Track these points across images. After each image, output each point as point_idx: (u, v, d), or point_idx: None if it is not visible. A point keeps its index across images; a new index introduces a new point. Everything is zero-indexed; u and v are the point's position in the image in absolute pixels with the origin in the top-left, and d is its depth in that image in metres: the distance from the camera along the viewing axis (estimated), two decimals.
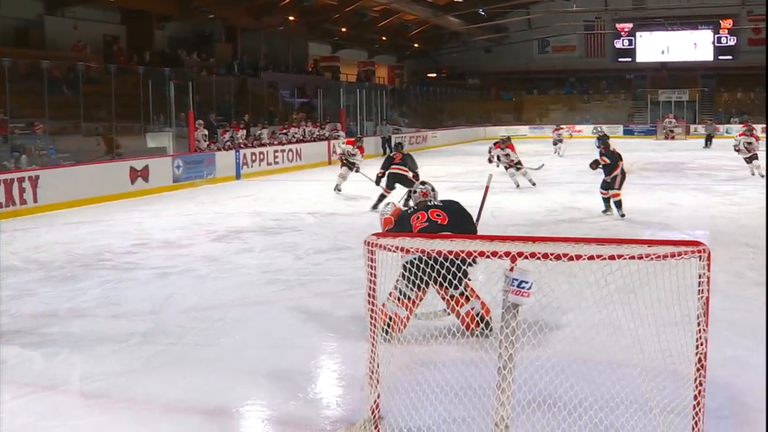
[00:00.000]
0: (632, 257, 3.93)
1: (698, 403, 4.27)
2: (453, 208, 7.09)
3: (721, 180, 20.68)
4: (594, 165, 14.03)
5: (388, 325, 6.16)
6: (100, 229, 13.40)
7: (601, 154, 14.07)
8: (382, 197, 15.21)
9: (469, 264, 4.89)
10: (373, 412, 4.66)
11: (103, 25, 29.06)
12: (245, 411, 5.34)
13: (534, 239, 4.23)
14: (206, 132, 23.16)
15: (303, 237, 12.44)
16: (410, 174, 15.51)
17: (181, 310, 8.01)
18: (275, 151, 25.35)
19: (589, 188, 16.61)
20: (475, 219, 7.45)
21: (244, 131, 25.75)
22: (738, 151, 21.07)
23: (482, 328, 6.48)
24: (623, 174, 13.86)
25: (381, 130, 34.68)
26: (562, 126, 33.25)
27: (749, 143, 20.54)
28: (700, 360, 4.22)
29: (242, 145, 24.47)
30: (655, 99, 50.62)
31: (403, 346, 4.60)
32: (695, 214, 14.68)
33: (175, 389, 5.68)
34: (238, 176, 22.84)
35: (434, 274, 4.90)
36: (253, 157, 23.98)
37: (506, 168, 19.04)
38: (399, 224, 7.05)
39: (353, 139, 19.21)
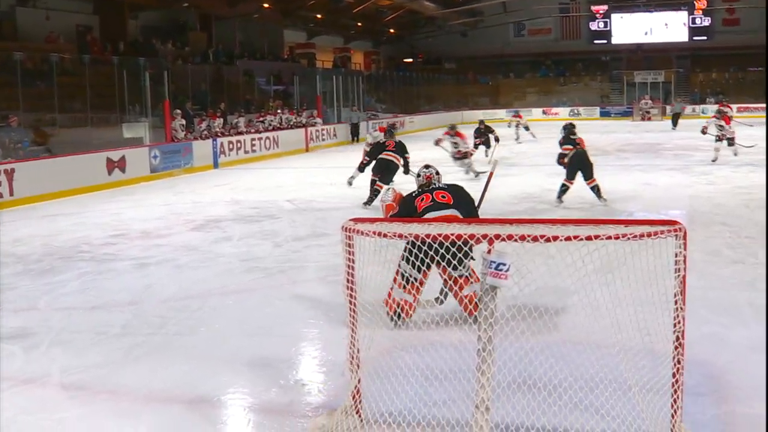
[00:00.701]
0: (609, 237, 3.96)
1: (676, 381, 4.31)
2: (457, 191, 7.08)
3: (697, 160, 20.77)
4: (561, 161, 13.69)
5: (397, 314, 6.25)
6: (78, 221, 13.32)
7: (561, 144, 13.81)
8: (375, 191, 13.92)
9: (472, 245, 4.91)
10: (354, 398, 4.67)
11: (76, 15, 28.81)
12: (227, 399, 5.34)
13: (511, 221, 4.26)
14: (183, 121, 23.04)
15: (281, 224, 12.44)
16: (401, 162, 14.60)
17: (161, 300, 7.99)
18: (252, 139, 25.27)
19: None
20: (477, 204, 7.44)
21: (221, 120, 25.62)
22: (705, 133, 20.58)
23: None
24: (576, 161, 13.32)
25: (350, 116, 33.52)
26: (520, 114, 31.97)
27: (720, 126, 19.99)
28: (677, 338, 4.27)
29: (219, 134, 24.34)
30: (631, 80, 50.88)
31: (383, 331, 4.62)
32: (671, 194, 14.77)
33: (156, 379, 5.67)
34: (215, 165, 22.76)
35: (436, 255, 4.90)
36: (231, 146, 23.88)
37: (454, 158, 18.72)
38: (403, 207, 7.02)
39: (385, 126, 18.53)
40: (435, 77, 52.07)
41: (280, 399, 5.30)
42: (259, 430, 4.85)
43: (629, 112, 46.32)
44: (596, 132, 33.08)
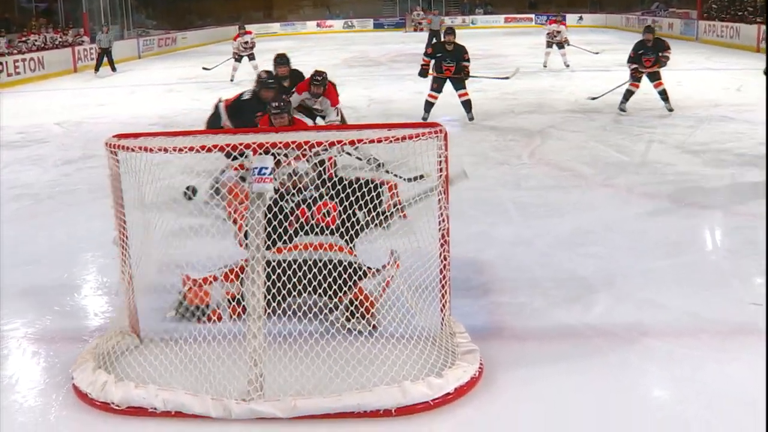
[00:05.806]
0: (372, 141, 4.04)
1: (444, 277, 4.51)
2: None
3: None
4: None
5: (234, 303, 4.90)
6: None
7: None
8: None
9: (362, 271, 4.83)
10: (129, 317, 4.63)
11: None
12: None
13: (276, 130, 4.27)
14: None
15: (50, 148, 11.96)
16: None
17: None
18: (15, 61, 23.80)
19: (342, 81, 16.86)
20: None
21: None
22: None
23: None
24: None
25: (99, 40, 25.94)
26: (249, 30, 23.12)
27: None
28: (443, 236, 4.45)
29: None
30: None
31: (155, 249, 4.56)
32: (443, 102, 15.11)
33: None
34: None
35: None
36: None
37: None
38: None
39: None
40: None
41: (55, 326, 5.17)
42: (35, 359, 4.71)
43: (402, 23, 46.95)
44: (370, 44, 33.54)
